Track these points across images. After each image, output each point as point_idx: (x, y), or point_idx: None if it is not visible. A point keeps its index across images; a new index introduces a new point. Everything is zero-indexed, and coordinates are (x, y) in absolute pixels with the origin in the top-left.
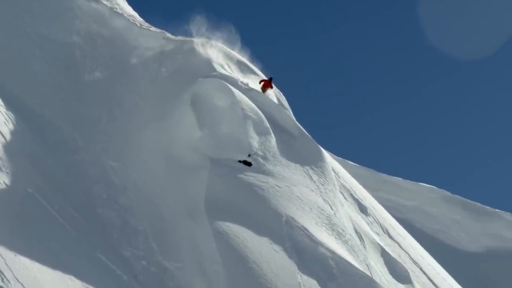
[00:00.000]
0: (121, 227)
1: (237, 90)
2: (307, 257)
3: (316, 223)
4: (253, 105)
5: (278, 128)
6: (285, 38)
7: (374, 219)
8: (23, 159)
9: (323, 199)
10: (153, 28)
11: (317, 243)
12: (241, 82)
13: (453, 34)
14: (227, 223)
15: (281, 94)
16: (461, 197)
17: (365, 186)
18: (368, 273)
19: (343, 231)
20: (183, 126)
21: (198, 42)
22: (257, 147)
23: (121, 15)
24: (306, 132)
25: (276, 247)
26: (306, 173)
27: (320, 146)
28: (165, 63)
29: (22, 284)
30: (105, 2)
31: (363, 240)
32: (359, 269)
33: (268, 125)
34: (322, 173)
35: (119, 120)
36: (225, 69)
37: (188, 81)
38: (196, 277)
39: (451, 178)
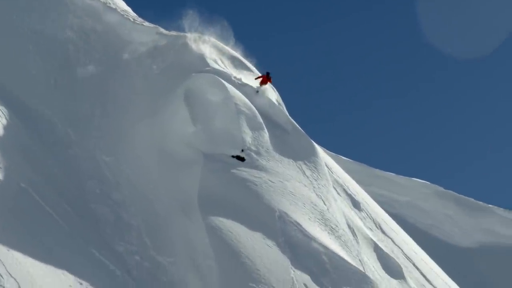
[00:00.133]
0: (114, 222)
1: (230, 85)
2: (300, 252)
3: (309, 218)
4: (246, 100)
5: (271, 123)
6: (278, 32)
7: (367, 214)
8: (16, 154)
9: (316, 194)
10: (146, 23)
11: (310, 238)
12: (235, 77)
13: (449, 29)
14: (220, 218)
15: (275, 89)
16: (454, 192)
17: (358, 181)
18: (361, 268)
19: (336, 226)
20: (176, 121)
21: (191, 38)
22: (250, 142)
23: (114, 10)
24: (299, 127)
25: (269, 242)
26: (299, 168)
27: (313, 141)
28: (159, 59)
29: (15, 279)
30: None
31: (356, 235)
32: (352, 264)
33: (261, 120)
34: (315, 168)
35: (112, 115)
36: (218, 64)
37: (182, 76)
38: (189, 272)
39: (444, 173)
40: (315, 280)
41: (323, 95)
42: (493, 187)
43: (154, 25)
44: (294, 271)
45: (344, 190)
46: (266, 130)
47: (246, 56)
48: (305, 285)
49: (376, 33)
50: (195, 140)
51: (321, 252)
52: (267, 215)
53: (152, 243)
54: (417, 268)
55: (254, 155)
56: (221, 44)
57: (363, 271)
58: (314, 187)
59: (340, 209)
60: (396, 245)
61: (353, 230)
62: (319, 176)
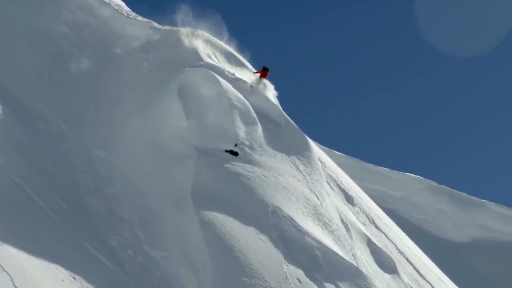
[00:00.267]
0: (107, 217)
1: (223, 80)
2: (293, 247)
3: (302, 213)
4: (239, 95)
5: (265, 118)
6: (271, 27)
7: (361, 209)
8: (9, 149)
9: (310, 189)
10: (140, 18)
11: (303, 233)
12: (228, 72)
13: (445, 24)
14: (214, 213)
15: (272, 84)
16: (447, 187)
17: (351, 176)
18: (354, 263)
19: (330, 221)
20: (169, 115)
21: (184, 32)
22: (243, 136)
23: (108, 4)
24: (293, 122)
25: (263, 236)
26: (292, 163)
27: (306, 136)
28: (152, 53)
29: (8, 273)
30: None
31: (349, 230)
32: (345, 259)
33: (254, 114)
34: (309, 163)
35: (105, 109)
36: (211, 59)
37: (175, 71)
38: (182, 267)
39: (437, 168)
40: (308, 274)
41: (316, 89)
42: (486, 182)
43: (148, 20)
44: (287, 265)
45: (338, 185)
46: (259, 125)
47: (240, 50)
48: (298, 279)
49: (371, 27)
50: (188, 134)
51: (315, 246)
52: (261, 210)
53: (145, 238)
54: (411, 263)
55: (248, 150)
56: (214, 39)
57: (357, 265)
58: (307, 181)
59: (333, 203)
60: (389, 240)
61: (347, 225)
62: (312, 171)
